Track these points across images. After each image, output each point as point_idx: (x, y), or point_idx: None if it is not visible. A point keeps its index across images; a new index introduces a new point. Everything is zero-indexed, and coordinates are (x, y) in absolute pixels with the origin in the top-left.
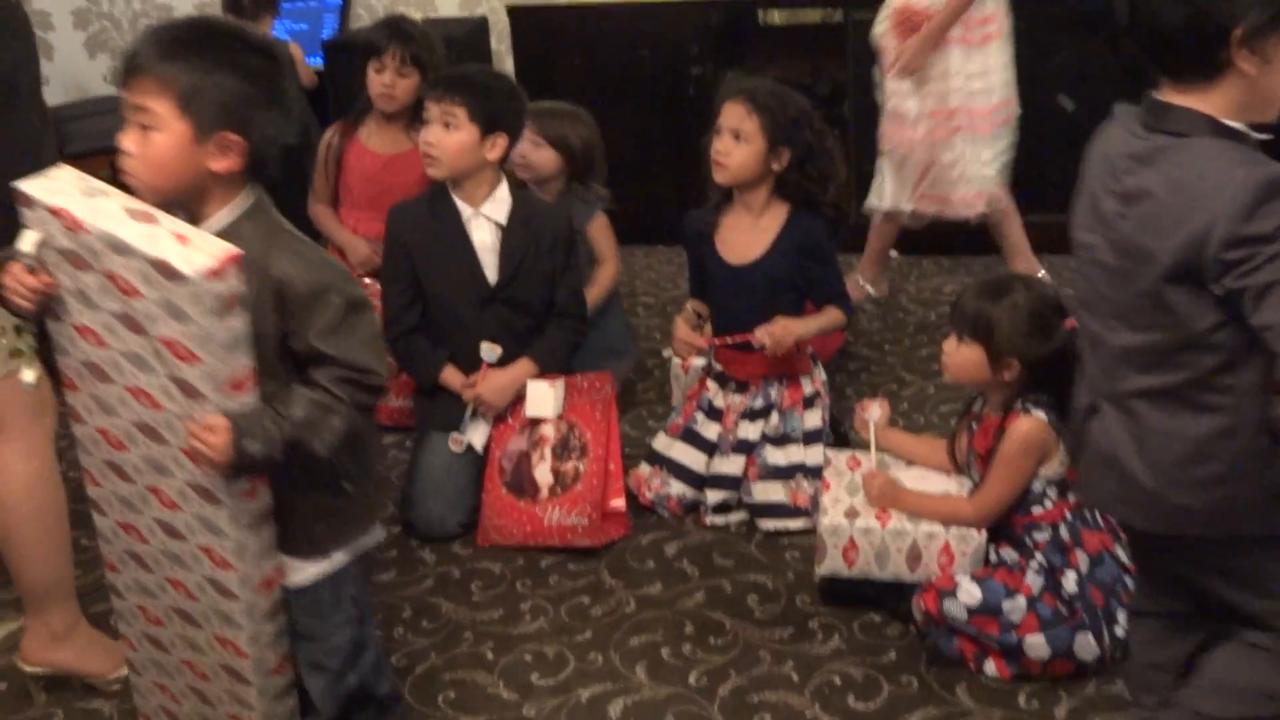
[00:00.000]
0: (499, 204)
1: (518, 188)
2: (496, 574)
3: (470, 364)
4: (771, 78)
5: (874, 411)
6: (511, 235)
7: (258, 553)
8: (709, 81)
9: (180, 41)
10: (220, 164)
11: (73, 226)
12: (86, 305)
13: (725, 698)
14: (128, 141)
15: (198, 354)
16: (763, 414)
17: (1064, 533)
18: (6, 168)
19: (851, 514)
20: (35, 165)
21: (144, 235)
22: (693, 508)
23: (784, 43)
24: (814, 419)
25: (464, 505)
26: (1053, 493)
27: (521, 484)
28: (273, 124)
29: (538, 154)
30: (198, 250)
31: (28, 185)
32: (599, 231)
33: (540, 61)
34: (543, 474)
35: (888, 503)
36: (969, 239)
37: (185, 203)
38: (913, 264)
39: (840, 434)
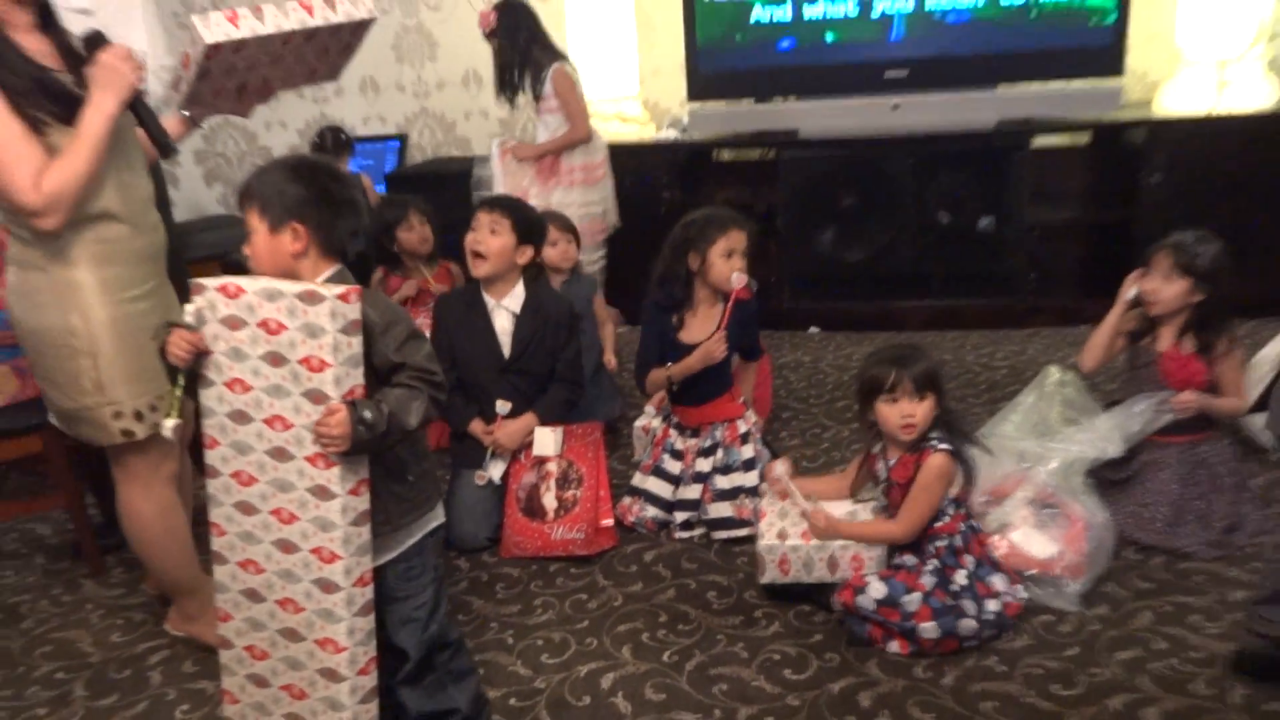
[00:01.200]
0: (515, 298)
1: (533, 280)
2: (515, 577)
3: (490, 416)
4: (721, 201)
5: (779, 468)
6: (523, 322)
7: (359, 547)
8: (676, 202)
9: (263, 170)
10: (294, 246)
11: (235, 294)
12: (237, 359)
13: (691, 671)
14: (246, 249)
15: (329, 361)
16: (711, 451)
17: (958, 540)
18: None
19: (783, 535)
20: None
21: (289, 284)
22: (664, 526)
23: (731, 174)
24: (749, 450)
25: (490, 524)
26: (951, 509)
27: (533, 509)
28: (327, 217)
29: (570, 249)
30: (330, 288)
31: (197, 280)
32: (600, 303)
33: None
34: (549, 501)
35: (831, 535)
36: (875, 320)
37: (291, 279)
38: (829, 337)
39: (775, 454)
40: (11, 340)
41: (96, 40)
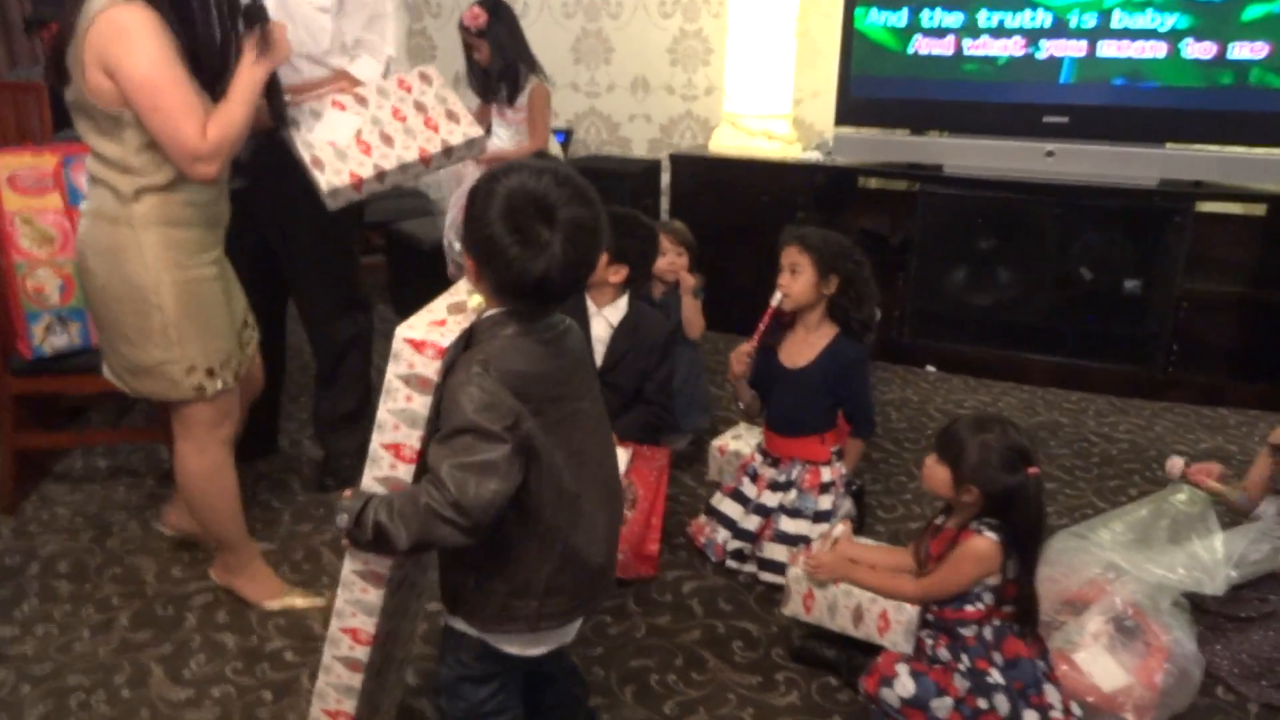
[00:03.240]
0: (617, 310)
1: (638, 299)
2: None
3: None
4: (858, 229)
5: (839, 529)
6: (619, 335)
7: (357, 601)
8: (810, 223)
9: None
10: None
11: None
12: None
13: None
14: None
15: (382, 403)
16: (784, 487)
17: (987, 633)
18: None
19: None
20: None
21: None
22: (735, 555)
23: (871, 202)
24: (826, 502)
25: None
26: (988, 597)
27: None
28: (500, 263)
29: (680, 261)
30: (421, 328)
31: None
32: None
33: (691, 197)
34: None
35: (839, 572)
36: (996, 368)
37: None
38: (944, 379)
39: (861, 501)
40: None
41: (256, 13)
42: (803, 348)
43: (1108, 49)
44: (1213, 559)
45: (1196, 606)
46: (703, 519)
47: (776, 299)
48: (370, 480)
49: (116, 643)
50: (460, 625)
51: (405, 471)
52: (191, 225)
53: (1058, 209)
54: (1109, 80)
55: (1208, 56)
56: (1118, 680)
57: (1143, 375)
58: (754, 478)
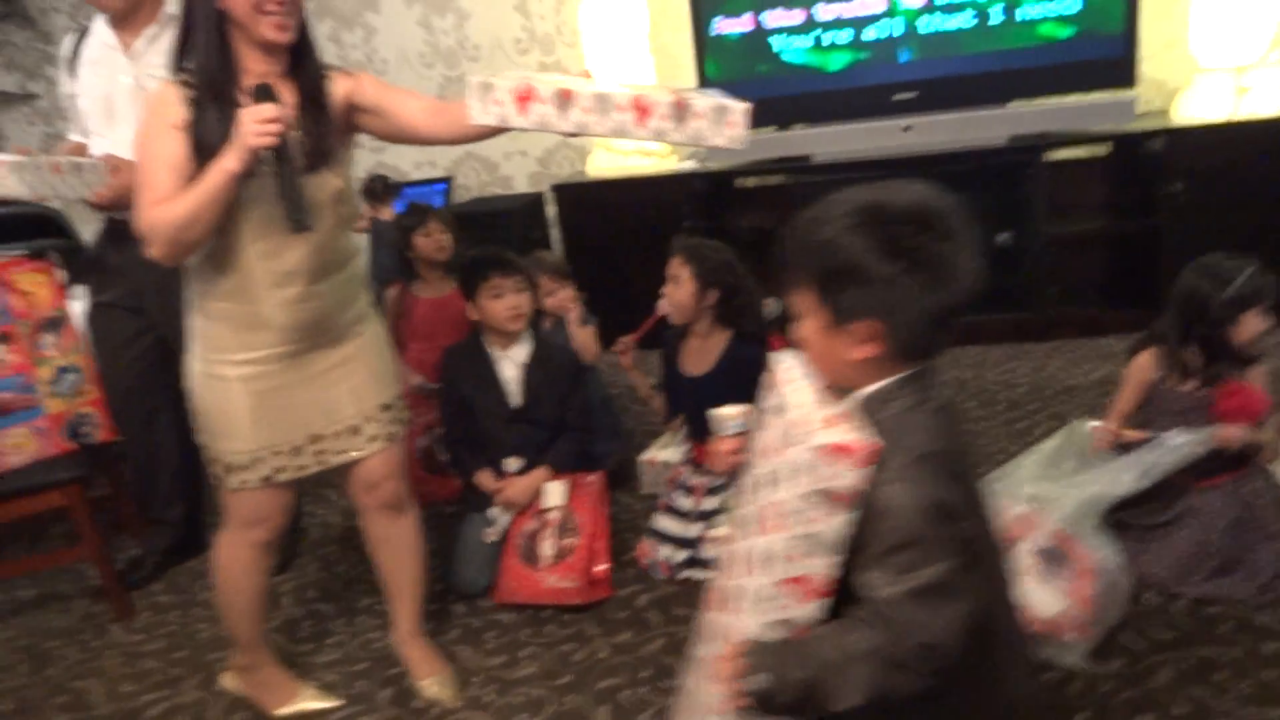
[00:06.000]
0: (522, 348)
1: (539, 333)
2: (506, 624)
3: (498, 465)
4: (744, 228)
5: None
6: (531, 371)
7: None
8: (698, 231)
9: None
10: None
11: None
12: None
13: None
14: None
15: (782, 523)
16: (721, 489)
17: None
18: None
19: None
20: None
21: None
22: (681, 566)
23: (751, 201)
24: None
25: (491, 571)
26: None
27: (530, 555)
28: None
29: (569, 293)
30: (844, 421)
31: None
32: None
33: (578, 224)
34: (547, 548)
35: None
36: None
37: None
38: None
39: None
40: (29, 403)
41: (261, 93)
42: (700, 356)
43: (929, 24)
44: (1127, 461)
45: (1119, 524)
46: (645, 541)
47: (662, 306)
48: (757, 627)
49: None
50: None
51: (805, 611)
52: (218, 320)
53: (922, 179)
54: (945, 55)
55: (1002, 20)
56: (1055, 606)
57: (1029, 320)
58: (688, 490)
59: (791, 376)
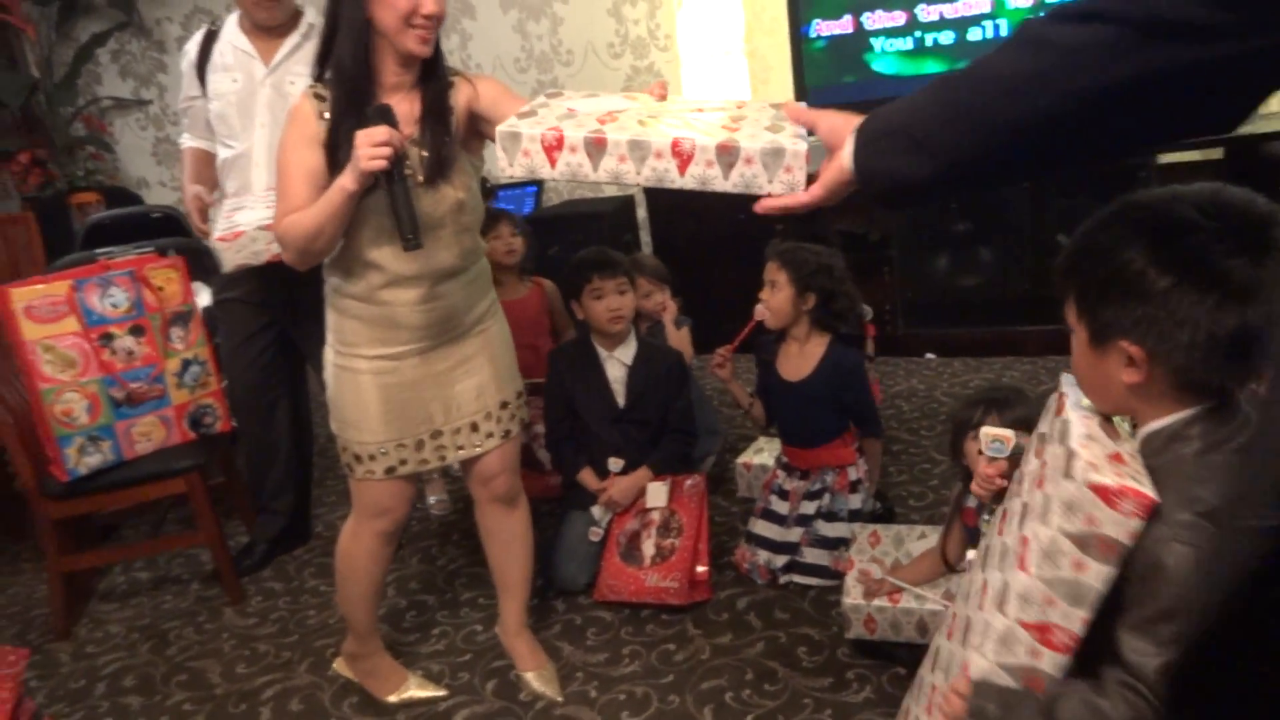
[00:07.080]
0: (628, 349)
1: (642, 336)
2: (607, 622)
3: (601, 465)
4: (836, 231)
5: (877, 573)
6: (635, 372)
7: None
8: (789, 236)
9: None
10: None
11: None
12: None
13: None
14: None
15: (1029, 567)
16: (818, 495)
17: None
18: None
19: (869, 595)
20: None
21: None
22: (785, 569)
23: (846, 202)
24: (856, 501)
25: (591, 568)
26: None
27: (631, 554)
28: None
29: (664, 298)
30: (1129, 476)
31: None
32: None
33: (669, 226)
34: (648, 548)
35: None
36: (992, 345)
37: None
38: (945, 364)
39: (886, 504)
40: (158, 393)
41: (378, 114)
42: (799, 360)
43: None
44: None
45: None
46: (743, 546)
47: (760, 311)
48: (992, 666)
49: None
50: None
51: (1052, 663)
52: (351, 317)
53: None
54: None
55: None
56: None
57: None
58: (783, 494)
59: (1076, 402)
